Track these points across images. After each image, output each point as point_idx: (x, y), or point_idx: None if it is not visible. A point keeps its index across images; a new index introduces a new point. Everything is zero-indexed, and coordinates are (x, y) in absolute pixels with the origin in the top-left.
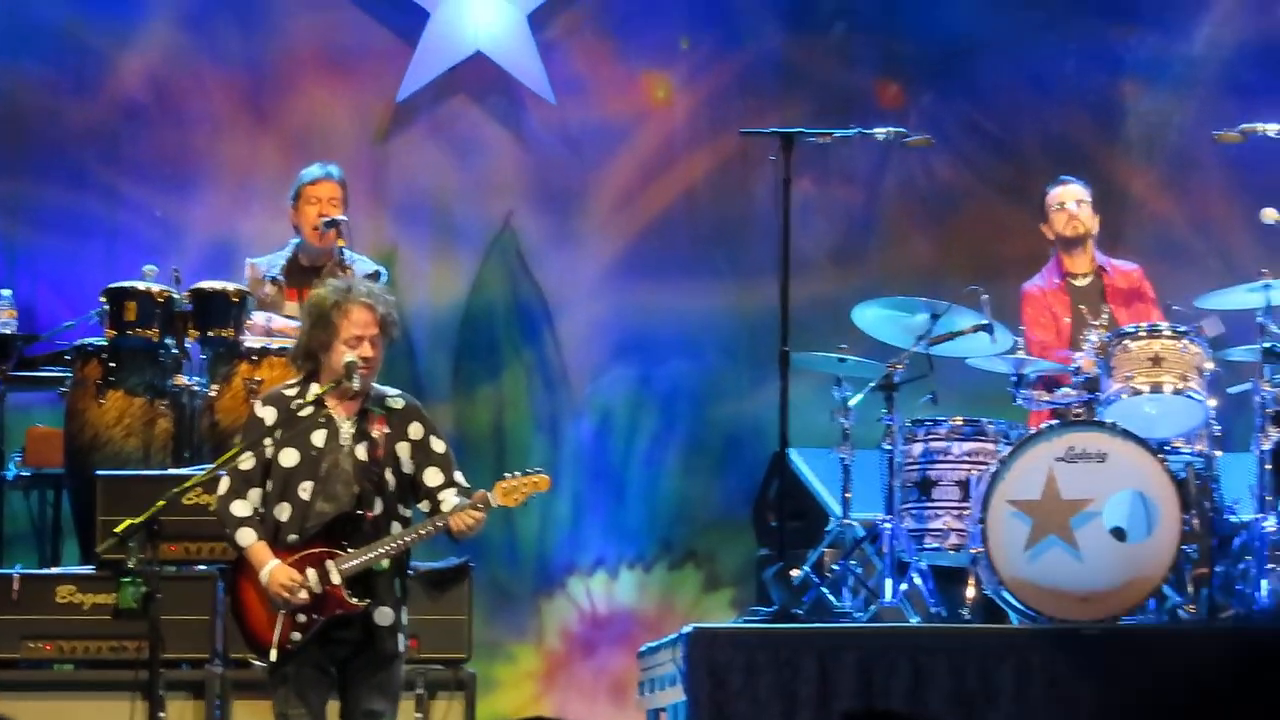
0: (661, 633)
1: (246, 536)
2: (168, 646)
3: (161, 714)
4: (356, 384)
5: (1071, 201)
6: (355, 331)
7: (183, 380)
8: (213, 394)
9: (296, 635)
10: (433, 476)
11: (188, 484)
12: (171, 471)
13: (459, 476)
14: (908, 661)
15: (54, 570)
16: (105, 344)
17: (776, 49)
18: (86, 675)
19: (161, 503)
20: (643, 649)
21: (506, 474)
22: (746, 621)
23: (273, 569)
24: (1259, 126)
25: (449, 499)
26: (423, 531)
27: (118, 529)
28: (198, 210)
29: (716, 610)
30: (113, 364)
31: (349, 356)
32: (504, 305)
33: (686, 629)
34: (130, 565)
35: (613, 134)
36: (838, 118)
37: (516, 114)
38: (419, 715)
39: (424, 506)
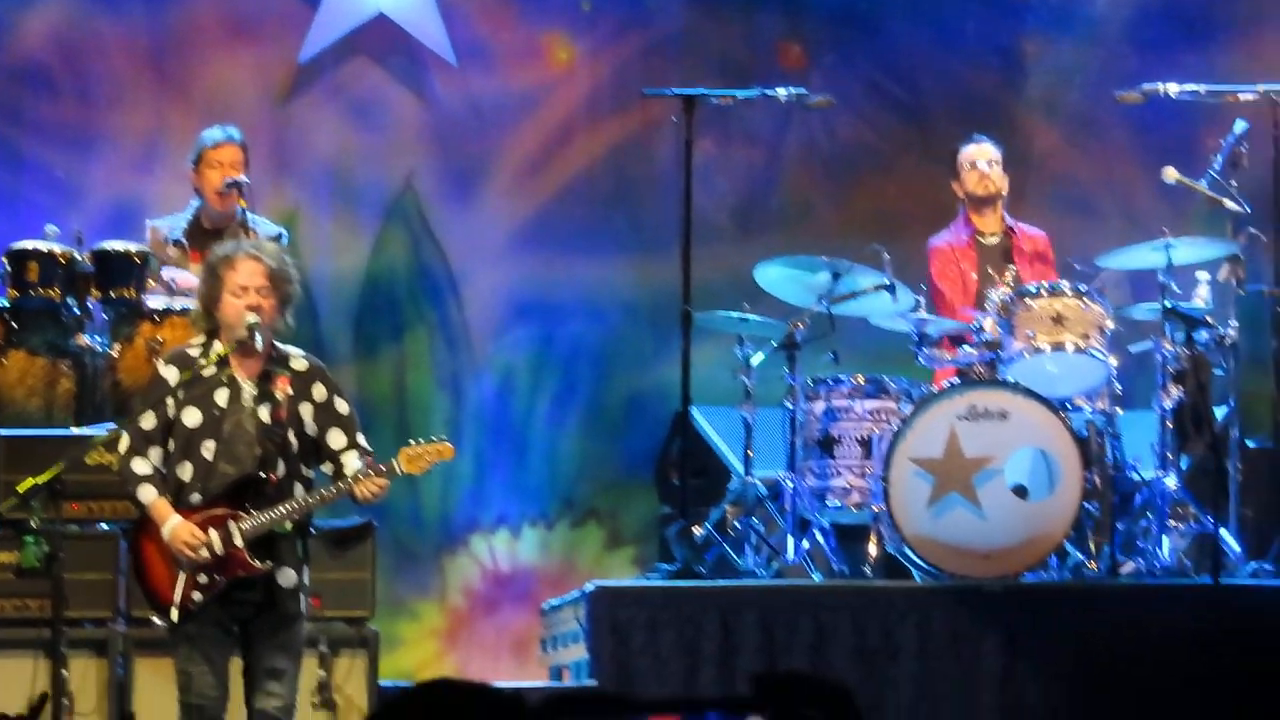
0: (564, 590)
1: (147, 493)
2: (70, 605)
3: (64, 672)
4: (259, 343)
5: (983, 161)
6: (241, 281)
7: (85, 340)
8: (115, 354)
9: (198, 596)
10: (336, 438)
11: (90, 444)
12: (74, 431)
13: (361, 439)
14: (810, 619)
15: None
16: (7, 304)
17: (679, 11)
18: None
19: (63, 462)
20: (545, 606)
21: (411, 441)
22: (649, 579)
23: (175, 525)
24: (1160, 86)
25: (351, 461)
26: (325, 494)
27: (20, 488)
28: (99, 171)
29: (619, 568)
30: (14, 324)
31: (250, 318)
32: (406, 266)
33: (589, 586)
34: (33, 524)
35: (514, 96)
36: (740, 79)
37: (418, 75)
38: (322, 673)
39: (326, 468)
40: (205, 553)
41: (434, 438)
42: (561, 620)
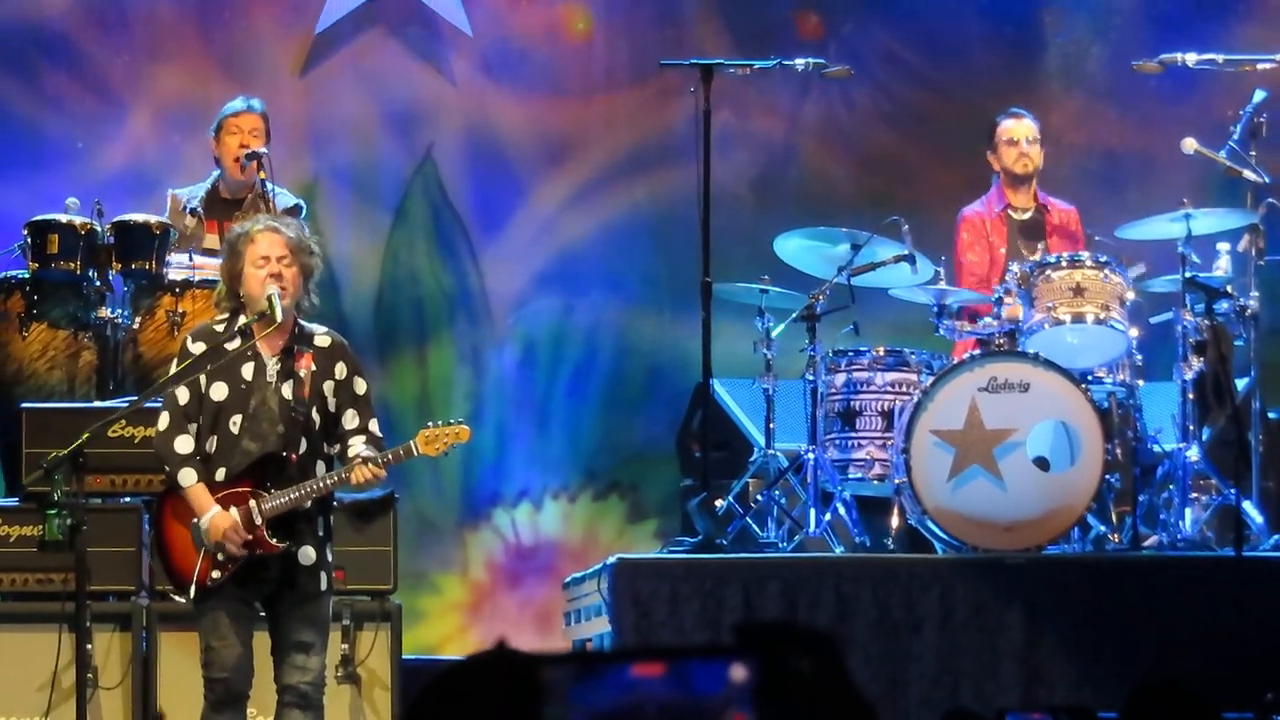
0: (586, 563)
1: (188, 477)
2: (94, 579)
3: (88, 646)
4: (279, 314)
5: (1024, 139)
6: (261, 252)
7: (106, 313)
8: (136, 326)
9: (216, 574)
10: (350, 419)
11: (113, 416)
12: (96, 404)
13: (374, 425)
14: (832, 592)
15: None
16: (28, 277)
17: None
18: (13, 607)
19: (86, 435)
20: (568, 580)
21: (430, 423)
22: (671, 552)
23: (215, 515)
24: (1178, 56)
25: (356, 445)
26: (334, 480)
27: (44, 461)
28: (119, 143)
29: (641, 541)
30: (35, 297)
31: (270, 288)
32: (426, 238)
33: (611, 560)
34: (56, 498)
35: (532, 65)
36: (757, 49)
37: (435, 46)
38: (345, 646)
39: (335, 448)
40: (242, 548)
41: (452, 420)
42: (584, 593)
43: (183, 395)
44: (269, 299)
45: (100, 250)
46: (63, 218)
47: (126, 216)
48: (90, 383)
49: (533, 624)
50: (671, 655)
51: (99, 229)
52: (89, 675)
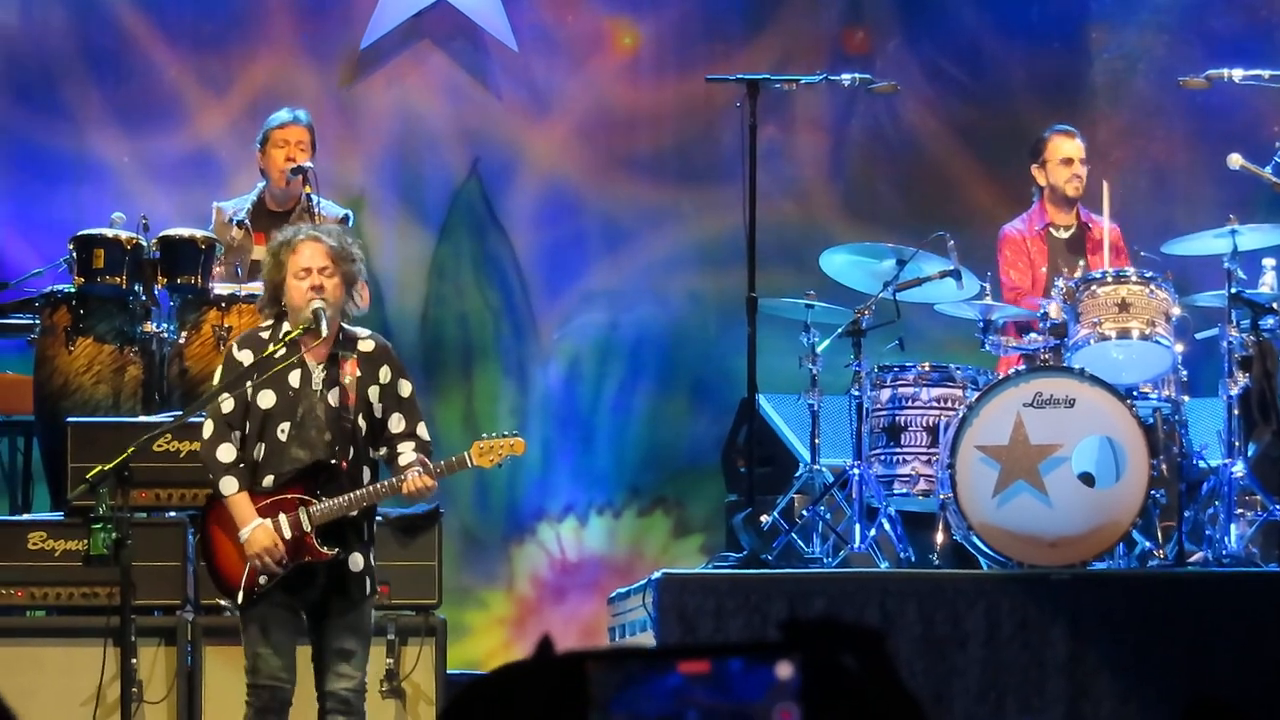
0: (631, 578)
1: (230, 485)
2: (139, 593)
3: (133, 660)
4: (324, 328)
5: (1078, 158)
6: (304, 264)
7: (151, 327)
8: (181, 341)
9: (264, 580)
10: (396, 423)
11: (158, 431)
12: (141, 418)
13: (421, 429)
14: (877, 607)
15: (25, 517)
16: (74, 291)
17: None
18: (58, 621)
19: (132, 449)
20: (613, 595)
21: (484, 435)
22: (716, 567)
23: (255, 530)
24: (1225, 72)
25: (406, 451)
26: (384, 488)
27: (89, 475)
28: (165, 156)
29: (686, 556)
30: (81, 311)
31: (315, 304)
32: (471, 253)
33: (656, 575)
34: (101, 512)
35: (578, 81)
36: (804, 64)
37: (481, 61)
38: (390, 661)
39: (383, 452)
40: (279, 565)
41: (506, 433)
42: (629, 609)
43: (226, 404)
44: (314, 313)
45: (146, 265)
46: (108, 232)
47: (172, 231)
48: (136, 397)
49: (578, 639)
50: (716, 652)
51: (144, 243)
52: (134, 690)
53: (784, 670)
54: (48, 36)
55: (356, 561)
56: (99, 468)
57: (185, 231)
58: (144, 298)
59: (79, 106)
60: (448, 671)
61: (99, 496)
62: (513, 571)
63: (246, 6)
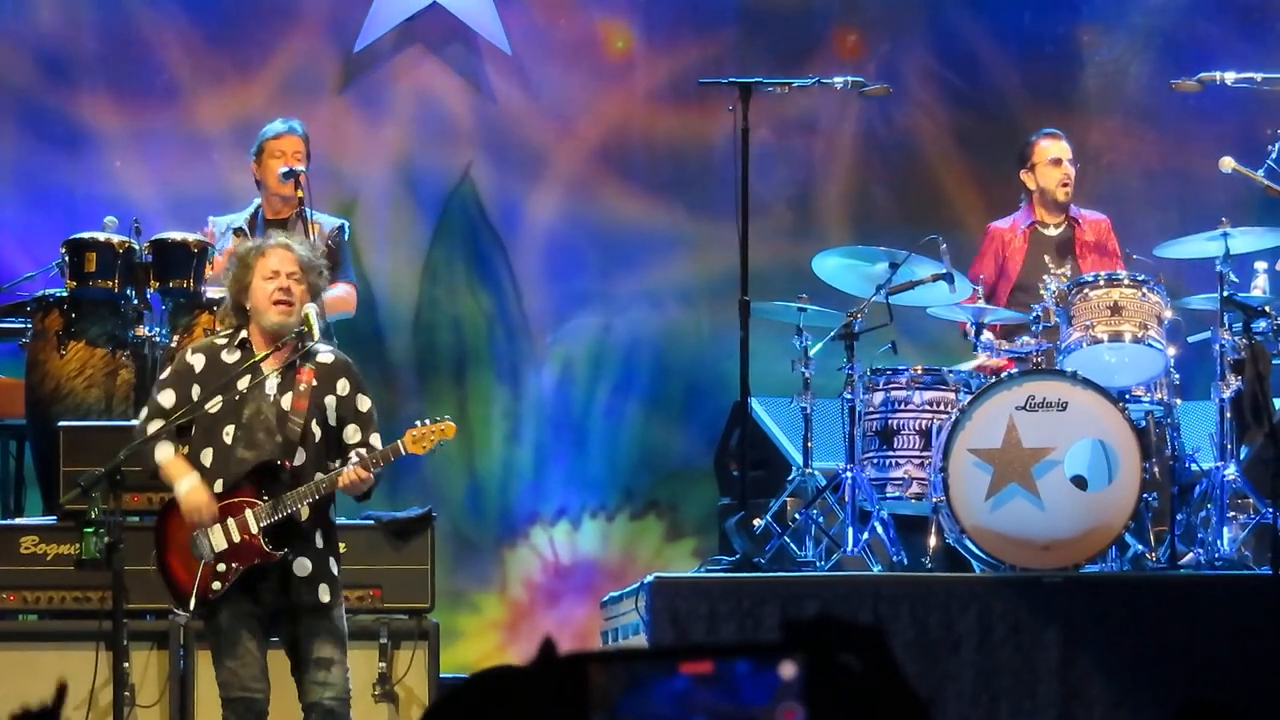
0: (624, 582)
1: (164, 450)
2: (131, 597)
3: (126, 664)
4: (318, 330)
5: (1067, 158)
6: (273, 267)
7: (143, 331)
8: (173, 345)
9: (216, 585)
10: (351, 434)
11: (151, 434)
12: (133, 422)
13: (375, 439)
14: (870, 611)
15: (17, 521)
16: (66, 295)
17: None
18: (50, 625)
19: (124, 453)
20: (606, 598)
21: (417, 422)
22: (709, 571)
23: (193, 486)
24: (1217, 75)
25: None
26: (324, 482)
27: (81, 480)
28: (157, 161)
29: (679, 560)
30: (73, 315)
31: (307, 306)
32: (464, 256)
33: (649, 578)
34: (93, 516)
35: (570, 84)
36: (796, 67)
37: (474, 65)
38: (382, 665)
39: (337, 464)
40: (217, 536)
41: (437, 418)
42: (622, 612)
43: (167, 399)
44: (306, 316)
45: (138, 268)
46: (100, 236)
47: (164, 235)
48: (128, 401)
49: (571, 642)
50: (719, 652)
51: (137, 247)
52: (126, 693)
53: (788, 670)
54: (41, 42)
55: (304, 566)
56: (91, 471)
57: (178, 235)
58: (136, 301)
59: (71, 112)
60: (440, 675)
61: (91, 500)
62: (505, 575)
63: (239, 11)
